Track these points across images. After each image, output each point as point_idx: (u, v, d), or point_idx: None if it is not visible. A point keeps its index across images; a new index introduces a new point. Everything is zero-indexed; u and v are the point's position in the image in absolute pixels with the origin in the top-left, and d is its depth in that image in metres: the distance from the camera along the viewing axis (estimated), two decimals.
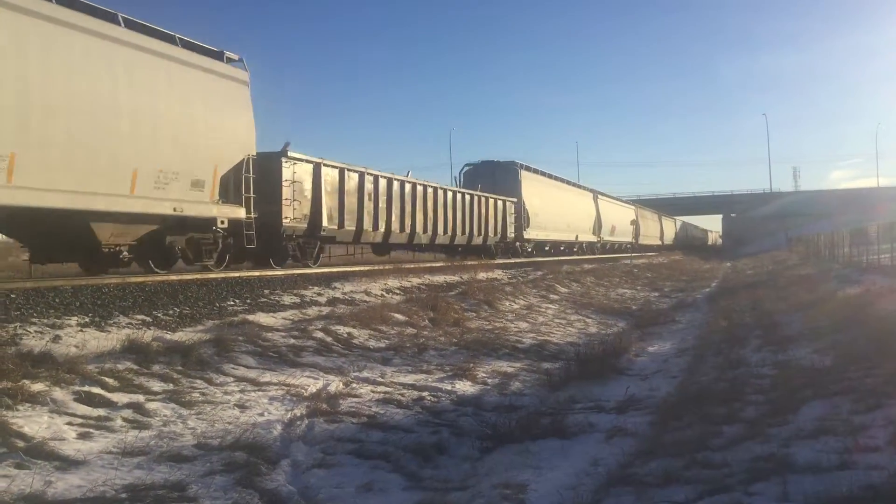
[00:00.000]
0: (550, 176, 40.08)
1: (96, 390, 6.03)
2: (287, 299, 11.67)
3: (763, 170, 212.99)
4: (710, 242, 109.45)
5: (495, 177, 32.83)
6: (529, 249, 34.72)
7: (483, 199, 29.09)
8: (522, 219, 33.44)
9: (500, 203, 31.02)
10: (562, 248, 40.79)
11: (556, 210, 38.11)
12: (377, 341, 9.90)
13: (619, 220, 53.73)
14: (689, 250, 74.24)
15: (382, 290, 14.51)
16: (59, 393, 5.78)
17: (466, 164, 34.75)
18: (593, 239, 45.70)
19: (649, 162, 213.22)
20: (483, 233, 29.00)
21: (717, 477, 4.41)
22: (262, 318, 9.94)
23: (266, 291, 11.89)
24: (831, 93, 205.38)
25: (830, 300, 13.72)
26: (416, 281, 16.35)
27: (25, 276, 11.85)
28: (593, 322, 15.81)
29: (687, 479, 4.48)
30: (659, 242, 69.25)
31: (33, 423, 5.13)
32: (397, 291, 14.77)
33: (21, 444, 4.78)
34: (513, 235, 32.36)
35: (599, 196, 48.80)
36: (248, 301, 11.00)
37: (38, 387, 5.75)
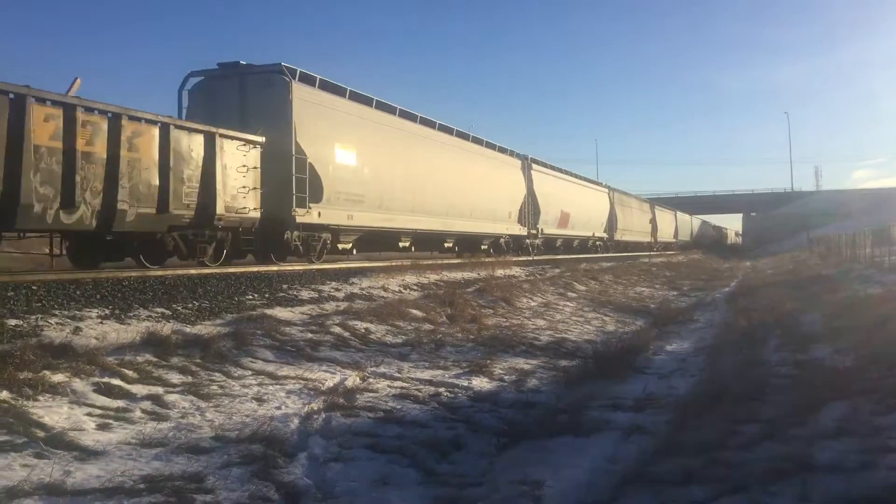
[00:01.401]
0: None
1: (116, 382, 6.08)
2: (305, 294, 11.71)
3: (784, 169, 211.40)
4: (729, 241, 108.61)
5: (246, 96, 16.69)
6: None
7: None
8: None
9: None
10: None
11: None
12: (394, 337, 9.91)
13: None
14: (708, 249, 73.67)
15: (400, 286, 14.52)
16: (79, 384, 5.84)
17: (193, 74, 17.25)
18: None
19: (669, 161, 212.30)
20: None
21: (735, 476, 4.37)
22: (281, 312, 9.98)
23: (284, 286, 11.94)
24: (854, 93, 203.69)
25: (852, 300, 13.58)
26: (433, 277, 16.35)
27: (47, 269, 11.96)
28: (611, 320, 15.74)
29: (705, 478, 4.45)
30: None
31: (53, 414, 5.18)
32: (415, 288, 14.77)
33: (41, 433, 4.82)
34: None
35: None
36: (267, 295, 11.05)
37: (58, 378, 5.80)
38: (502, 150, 30.51)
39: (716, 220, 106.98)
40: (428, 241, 23.93)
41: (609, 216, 45.39)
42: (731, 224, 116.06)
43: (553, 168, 36.98)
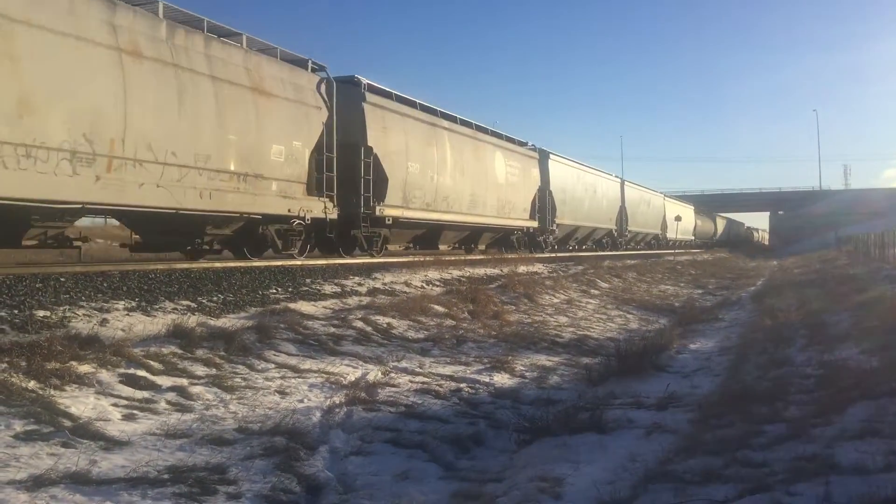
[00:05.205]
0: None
1: (141, 373, 6.16)
2: (328, 288, 11.77)
3: (813, 167, 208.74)
4: (756, 240, 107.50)
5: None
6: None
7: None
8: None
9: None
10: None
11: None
12: (416, 332, 9.93)
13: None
14: (734, 247, 72.80)
15: (423, 281, 14.55)
16: (105, 375, 5.92)
17: None
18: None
19: (695, 158, 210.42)
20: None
21: (758, 476, 4.34)
22: (304, 306, 10.04)
23: (307, 280, 12.00)
24: (885, 91, 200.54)
25: (879, 300, 13.39)
26: (456, 273, 16.36)
27: (75, 261, 12.14)
28: (634, 318, 15.66)
29: (727, 477, 4.42)
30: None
31: (80, 404, 5.26)
32: (437, 283, 14.79)
33: (68, 423, 4.91)
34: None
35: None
36: (290, 289, 11.12)
37: (85, 368, 5.89)
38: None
39: (743, 218, 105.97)
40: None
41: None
42: (759, 222, 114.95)
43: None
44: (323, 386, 6.81)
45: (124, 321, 7.77)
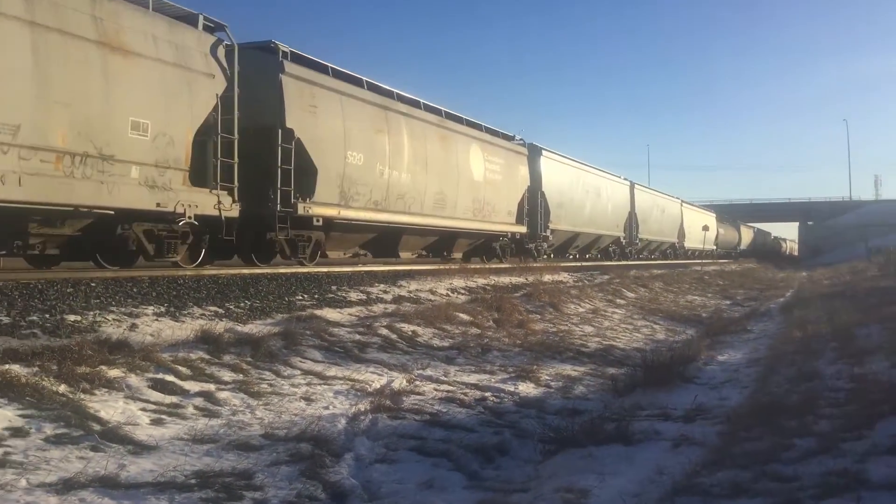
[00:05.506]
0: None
1: (169, 378, 6.22)
2: (353, 296, 11.81)
3: (843, 177, 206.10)
4: (785, 251, 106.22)
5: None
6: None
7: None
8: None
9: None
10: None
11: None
12: (441, 340, 9.93)
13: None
14: (763, 258, 71.89)
15: (448, 289, 14.55)
16: (134, 379, 5.99)
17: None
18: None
19: (723, 166, 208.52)
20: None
21: (787, 490, 4.28)
22: (329, 313, 10.08)
23: (333, 287, 12.06)
24: None
25: None
26: (481, 281, 16.35)
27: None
28: (661, 328, 15.54)
29: (756, 491, 4.36)
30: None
31: (109, 408, 5.33)
32: (463, 291, 14.79)
33: (97, 427, 4.97)
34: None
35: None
36: (316, 296, 11.18)
37: (114, 373, 5.96)
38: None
39: (772, 228, 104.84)
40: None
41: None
42: (787, 233, 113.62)
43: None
44: (348, 393, 6.83)
45: (153, 326, 7.86)
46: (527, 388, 8.06)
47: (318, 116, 14.96)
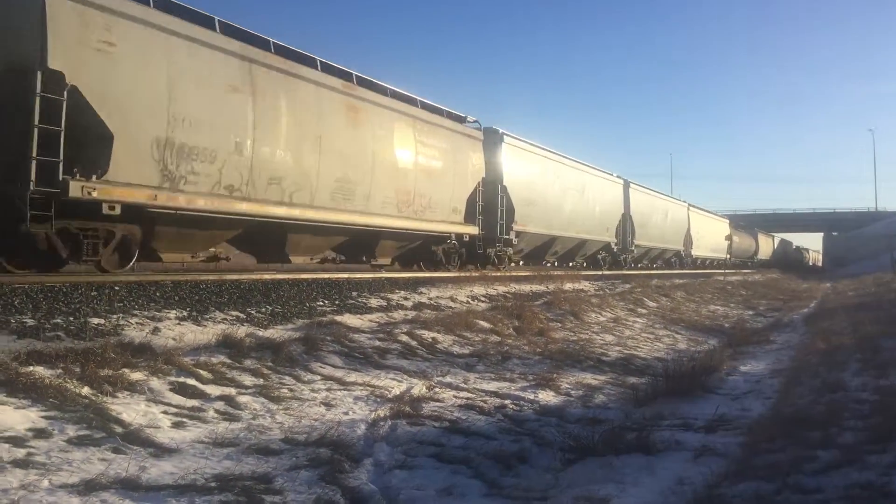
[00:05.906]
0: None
1: (191, 382, 6.26)
2: (374, 302, 11.84)
3: (868, 187, 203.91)
4: (809, 261, 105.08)
5: None
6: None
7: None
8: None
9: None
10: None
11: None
12: (461, 347, 9.92)
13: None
14: (786, 268, 71.12)
15: (468, 296, 14.54)
16: (156, 383, 6.03)
17: None
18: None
19: (746, 177, 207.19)
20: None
21: (810, 502, 4.23)
22: (350, 319, 10.11)
23: (354, 293, 12.09)
24: None
25: None
26: (501, 289, 16.34)
27: (129, 271, 12.40)
28: (682, 338, 15.42)
29: (778, 502, 4.31)
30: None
31: (131, 411, 5.36)
32: (483, 299, 14.77)
33: (119, 429, 5.00)
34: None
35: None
36: (337, 302, 11.22)
37: (136, 376, 6.00)
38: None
39: (796, 238, 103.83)
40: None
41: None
42: (811, 243, 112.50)
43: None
44: (368, 399, 6.83)
45: (175, 330, 7.91)
46: (547, 397, 8.02)
47: (116, 59, 10.70)
